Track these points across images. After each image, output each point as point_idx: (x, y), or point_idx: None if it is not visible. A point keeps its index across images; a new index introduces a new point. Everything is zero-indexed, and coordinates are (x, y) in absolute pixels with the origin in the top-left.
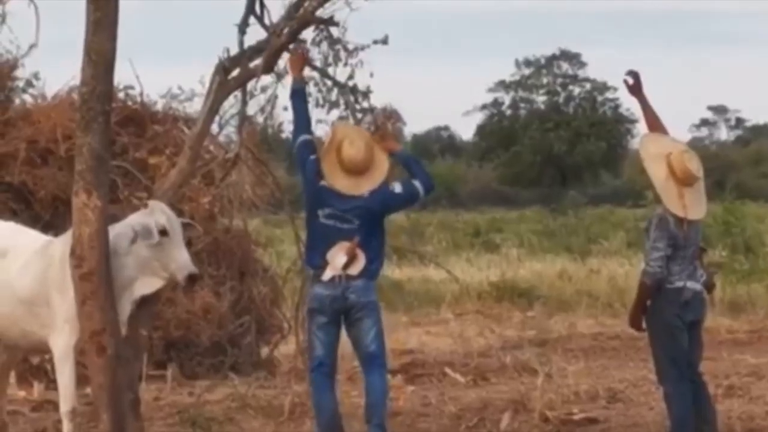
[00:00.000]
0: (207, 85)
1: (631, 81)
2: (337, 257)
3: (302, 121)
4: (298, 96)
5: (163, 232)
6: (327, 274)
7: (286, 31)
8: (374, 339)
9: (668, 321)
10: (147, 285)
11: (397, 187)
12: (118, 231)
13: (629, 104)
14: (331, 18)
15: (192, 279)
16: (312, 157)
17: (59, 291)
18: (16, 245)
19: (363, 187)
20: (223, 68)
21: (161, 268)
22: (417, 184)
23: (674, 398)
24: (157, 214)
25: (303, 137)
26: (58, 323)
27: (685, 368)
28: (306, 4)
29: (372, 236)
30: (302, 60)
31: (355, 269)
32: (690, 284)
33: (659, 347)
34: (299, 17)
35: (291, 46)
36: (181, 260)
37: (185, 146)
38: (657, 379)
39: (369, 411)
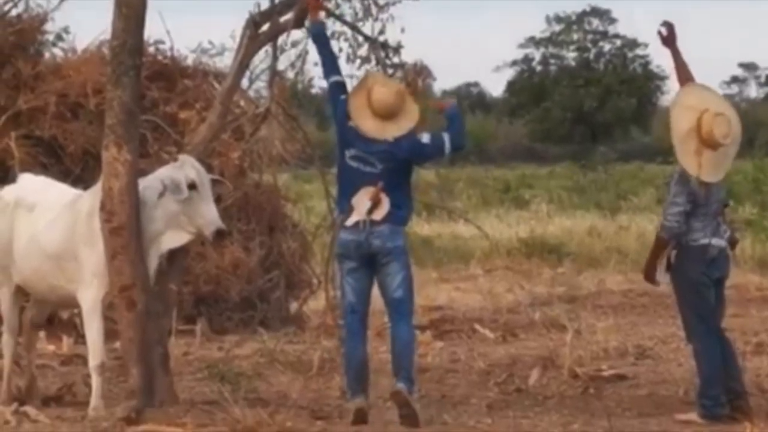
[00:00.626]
0: (237, 39)
1: (665, 32)
2: (361, 202)
3: (328, 62)
4: (319, 39)
5: (192, 187)
6: (351, 219)
7: None
8: (401, 284)
9: (695, 278)
10: (174, 239)
11: (425, 137)
12: (147, 184)
13: (659, 61)
14: None
15: (220, 234)
16: (342, 97)
17: (87, 245)
18: (45, 200)
19: (389, 131)
20: (253, 22)
21: (189, 222)
22: (446, 138)
23: (703, 355)
24: (186, 168)
25: (333, 78)
26: (86, 277)
27: (713, 325)
28: None
29: (397, 182)
30: (317, 2)
31: (379, 214)
32: (715, 241)
33: (687, 305)
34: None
35: None
36: (209, 215)
37: (215, 101)
38: (685, 337)
39: (396, 362)
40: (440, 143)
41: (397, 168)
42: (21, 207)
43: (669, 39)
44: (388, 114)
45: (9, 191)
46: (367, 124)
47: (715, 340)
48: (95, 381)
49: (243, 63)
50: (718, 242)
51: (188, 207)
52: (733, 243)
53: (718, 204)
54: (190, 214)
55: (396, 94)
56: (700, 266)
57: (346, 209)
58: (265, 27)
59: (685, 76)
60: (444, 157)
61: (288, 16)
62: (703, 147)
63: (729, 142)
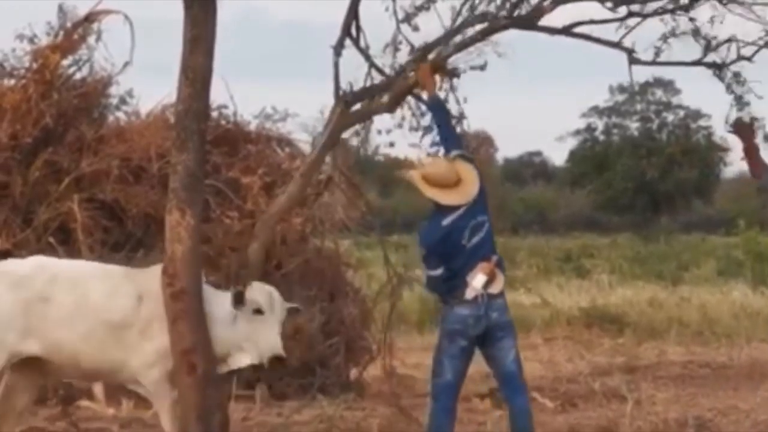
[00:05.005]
0: (327, 114)
1: (740, 133)
2: (476, 277)
3: (450, 136)
4: (438, 110)
5: (258, 311)
6: (469, 294)
7: (411, 74)
8: (515, 359)
9: None
10: (237, 360)
11: None
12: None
13: (723, 132)
14: (456, 69)
15: (278, 361)
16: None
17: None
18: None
19: (456, 198)
20: (345, 102)
21: (252, 345)
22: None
23: None
24: (254, 292)
25: (455, 152)
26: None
27: None
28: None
29: (495, 250)
30: (431, 71)
31: (496, 288)
32: None
33: None
34: (432, 62)
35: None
36: (273, 341)
37: (296, 173)
38: None
39: None
40: None
41: (488, 231)
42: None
43: (746, 136)
44: (448, 183)
45: None
46: (430, 192)
47: None
48: None
49: (330, 139)
50: None
51: (251, 330)
52: None
53: None
54: (253, 336)
55: (446, 167)
56: None
57: (460, 285)
58: (357, 106)
59: (760, 165)
60: None
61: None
62: None
63: None
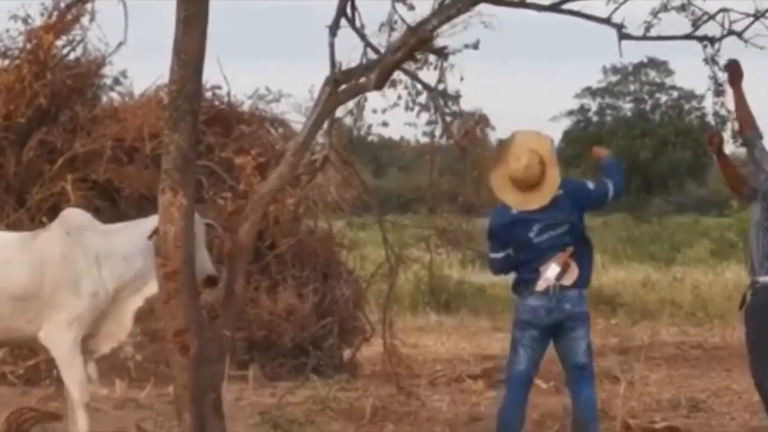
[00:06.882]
0: (316, 94)
1: (730, 70)
2: (549, 268)
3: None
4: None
5: None
6: (540, 285)
7: (400, 51)
8: (586, 351)
9: None
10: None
11: (590, 184)
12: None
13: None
14: (445, 48)
15: (211, 281)
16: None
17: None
18: None
19: (532, 202)
20: (334, 80)
21: None
22: (609, 185)
23: None
24: None
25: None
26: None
27: None
28: (426, 26)
29: (579, 243)
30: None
31: (569, 279)
32: None
33: None
34: (418, 36)
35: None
36: (200, 261)
37: (287, 153)
38: None
39: (580, 426)
40: (605, 189)
41: (575, 227)
42: None
43: (734, 77)
44: (528, 186)
45: None
46: (510, 198)
47: None
48: (83, 418)
49: (320, 118)
50: None
51: None
52: None
53: None
54: None
55: (527, 168)
56: None
57: (531, 277)
58: (345, 86)
59: (746, 115)
60: (605, 204)
61: (369, 76)
62: None
63: None
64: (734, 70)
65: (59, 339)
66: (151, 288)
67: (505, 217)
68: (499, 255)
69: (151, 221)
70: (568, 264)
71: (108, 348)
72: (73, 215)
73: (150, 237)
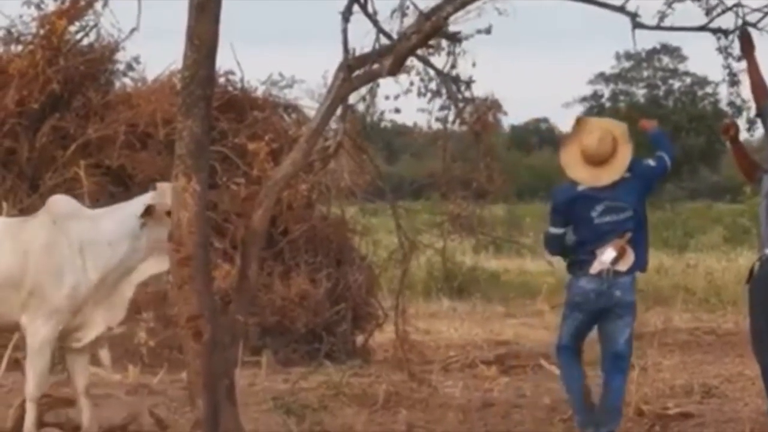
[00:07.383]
0: (329, 80)
1: (744, 41)
2: (605, 252)
3: None
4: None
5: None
6: (595, 268)
7: (414, 37)
8: (627, 340)
9: None
10: (158, 265)
11: (651, 161)
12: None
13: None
14: (458, 33)
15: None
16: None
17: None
18: None
19: (603, 178)
20: (347, 66)
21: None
22: (665, 158)
23: None
24: (168, 197)
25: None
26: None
27: None
28: (441, 12)
29: (639, 229)
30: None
31: (624, 265)
32: None
33: None
34: (432, 23)
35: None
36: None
37: (300, 140)
38: None
39: (604, 414)
40: (664, 163)
41: (637, 211)
42: None
43: (747, 48)
44: (599, 161)
45: None
46: (580, 175)
47: None
48: (32, 410)
49: (333, 104)
50: None
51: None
52: None
53: None
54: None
55: (600, 142)
56: None
57: (587, 258)
58: (359, 71)
59: (760, 83)
60: (665, 176)
61: (382, 62)
62: None
63: None
64: (746, 40)
65: (36, 328)
66: (141, 274)
67: (570, 193)
68: (559, 231)
69: (137, 201)
70: (625, 250)
71: (93, 335)
72: (59, 203)
73: (142, 215)
